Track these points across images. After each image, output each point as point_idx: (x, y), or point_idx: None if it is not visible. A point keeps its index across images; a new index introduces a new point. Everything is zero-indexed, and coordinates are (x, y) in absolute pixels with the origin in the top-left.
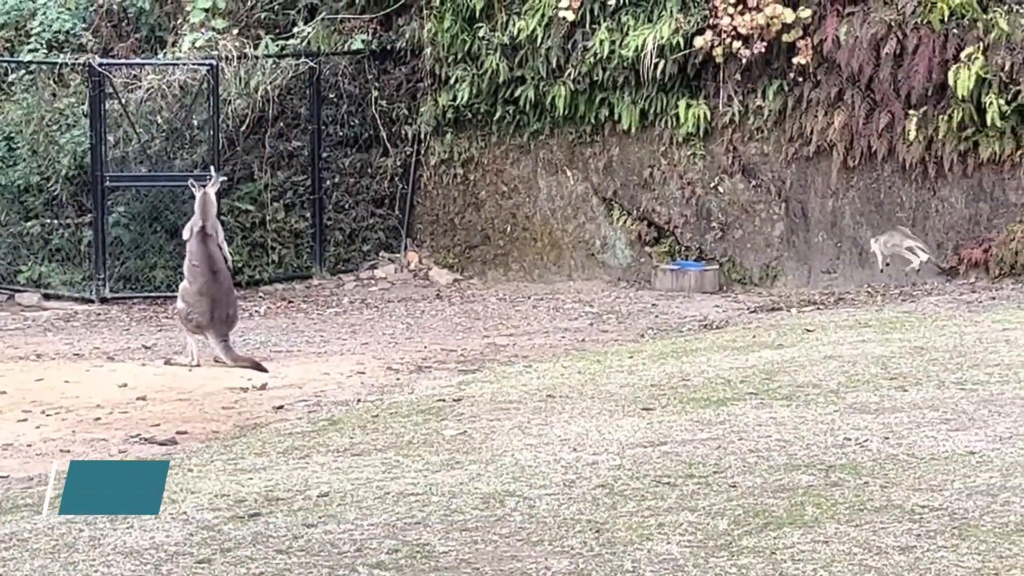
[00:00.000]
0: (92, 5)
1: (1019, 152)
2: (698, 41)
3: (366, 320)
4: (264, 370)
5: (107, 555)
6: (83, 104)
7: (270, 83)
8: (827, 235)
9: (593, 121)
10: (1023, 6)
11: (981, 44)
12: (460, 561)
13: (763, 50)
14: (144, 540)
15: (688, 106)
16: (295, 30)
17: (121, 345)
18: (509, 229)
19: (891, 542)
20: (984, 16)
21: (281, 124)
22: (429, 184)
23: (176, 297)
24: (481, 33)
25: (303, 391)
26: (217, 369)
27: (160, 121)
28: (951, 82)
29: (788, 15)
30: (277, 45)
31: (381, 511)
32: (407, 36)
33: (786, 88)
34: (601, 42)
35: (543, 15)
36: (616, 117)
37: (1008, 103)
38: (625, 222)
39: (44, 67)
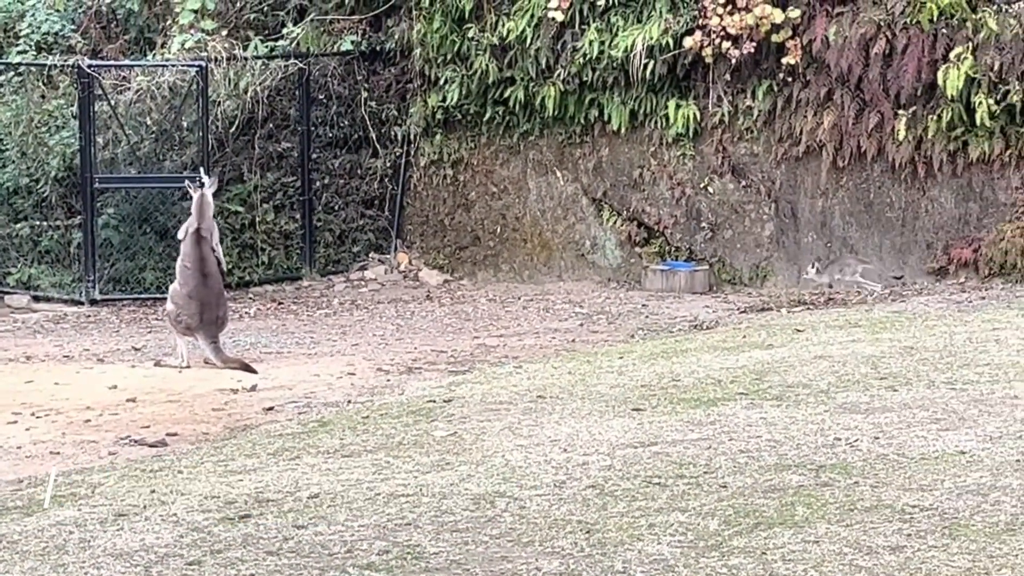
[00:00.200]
0: (81, 7)
1: (1008, 152)
2: (687, 41)
3: (356, 321)
4: (254, 371)
5: (97, 557)
6: (72, 106)
7: (259, 84)
8: (817, 235)
9: (583, 122)
10: (1012, 6)
11: (970, 44)
12: (450, 562)
13: (752, 50)
14: (134, 542)
15: (678, 106)
16: (284, 31)
17: (111, 347)
18: (499, 230)
19: (881, 542)
20: (973, 16)
21: (270, 125)
22: (419, 185)
23: (166, 299)
24: (470, 34)
25: (293, 392)
26: (207, 371)
27: (149, 122)
28: (940, 82)
29: (777, 15)
30: (266, 46)
31: (371, 512)
32: (396, 37)
33: (775, 88)
34: (590, 43)
35: (532, 16)
36: (606, 118)
37: (997, 103)
38: (615, 223)
39: (33, 69)
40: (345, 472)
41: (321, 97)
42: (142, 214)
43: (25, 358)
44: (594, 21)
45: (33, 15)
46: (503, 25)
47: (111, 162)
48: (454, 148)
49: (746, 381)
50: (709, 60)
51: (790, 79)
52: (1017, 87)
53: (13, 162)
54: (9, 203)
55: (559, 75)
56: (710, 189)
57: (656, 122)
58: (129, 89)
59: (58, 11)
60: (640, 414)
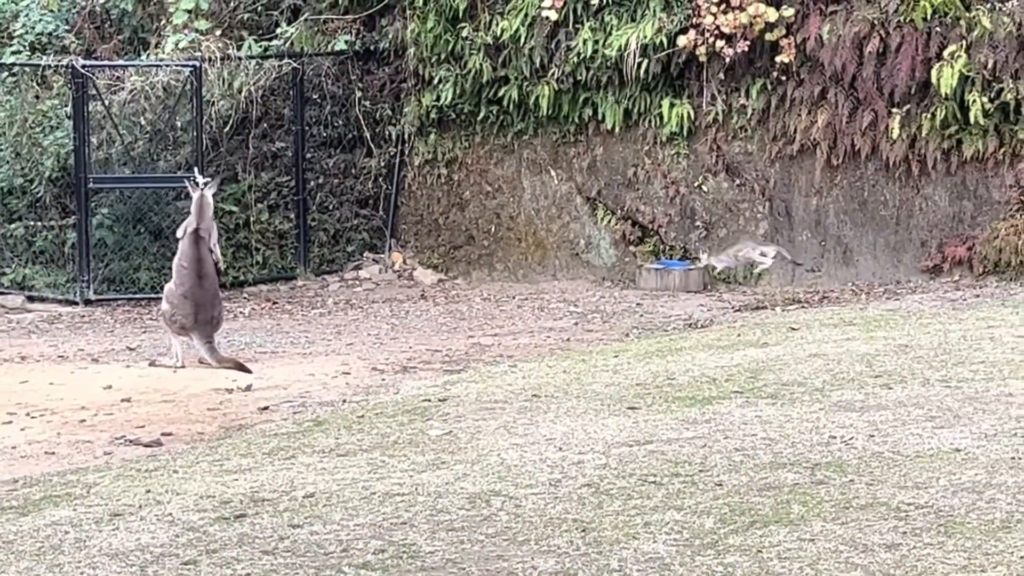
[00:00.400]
0: (75, 7)
1: (1002, 150)
2: (681, 40)
3: (351, 321)
4: (249, 371)
5: (93, 557)
6: (66, 106)
7: (253, 84)
8: (811, 234)
9: (577, 121)
10: (1005, 4)
11: (964, 42)
12: (446, 561)
13: (746, 49)
14: (130, 541)
15: (672, 105)
16: (278, 31)
17: (105, 347)
18: (493, 229)
19: (877, 540)
20: (967, 14)
21: (265, 125)
22: (413, 184)
23: (160, 299)
24: (464, 33)
25: (288, 392)
26: (202, 370)
27: (143, 122)
28: (934, 80)
29: (771, 14)
30: (260, 46)
31: (367, 511)
32: (390, 37)
33: (769, 87)
34: (584, 42)
35: (526, 15)
36: (600, 117)
37: (991, 101)
38: (609, 222)
39: (27, 69)
40: (340, 471)
41: (315, 97)
42: (136, 214)
43: (20, 358)
44: (588, 20)
45: (27, 15)
46: (497, 24)
47: (105, 162)
48: (448, 147)
49: (741, 379)
50: (703, 59)
51: (784, 78)
52: (1011, 85)
53: (7, 162)
54: (3, 203)
55: (553, 74)
56: (704, 188)
57: (650, 121)
58: (123, 89)
59: (52, 11)
60: (635, 413)
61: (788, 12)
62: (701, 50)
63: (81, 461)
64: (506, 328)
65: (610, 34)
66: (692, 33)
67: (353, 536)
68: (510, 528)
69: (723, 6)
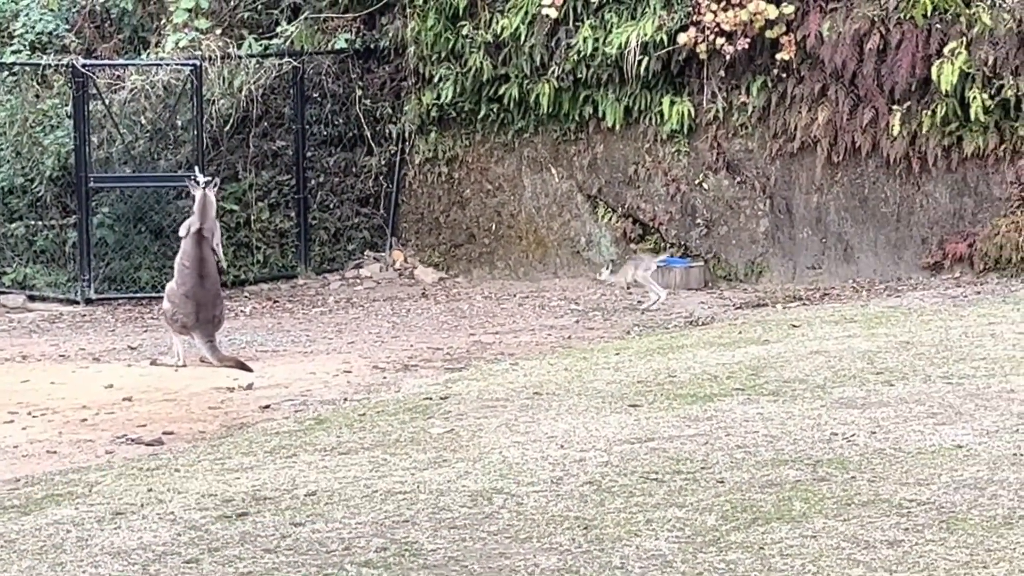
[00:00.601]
0: (75, 6)
1: (1003, 146)
2: (681, 38)
3: (352, 319)
4: (250, 370)
5: (95, 556)
6: (67, 105)
7: (254, 83)
8: (812, 231)
9: (577, 119)
10: (1006, 0)
11: (964, 39)
12: (448, 559)
13: (746, 46)
14: (132, 540)
15: (672, 103)
16: (278, 29)
17: (107, 346)
18: (494, 227)
19: (879, 536)
20: (967, 11)
21: (265, 124)
22: (414, 183)
23: (161, 298)
24: (465, 31)
25: (289, 390)
26: (203, 369)
27: (144, 122)
28: (934, 77)
29: (771, 11)
30: (260, 45)
31: (369, 509)
32: (390, 35)
33: (770, 84)
34: (585, 39)
35: (526, 13)
36: (600, 114)
37: (991, 97)
38: (610, 219)
39: (27, 68)
40: (342, 470)
41: (316, 95)
42: (137, 213)
43: (21, 357)
44: (588, 18)
45: (27, 15)
46: (497, 22)
47: (106, 161)
48: (449, 146)
49: (742, 377)
50: (703, 56)
51: (784, 75)
52: (1011, 82)
53: (8, 162)
54: (4, 203)
55: (553, 72)
56: (705, 185)
57: (651, 119)
58: (123, 88)
59: (52, 11)
60: (637, 410)
61: (788, 9)
62: (701, 48)
63: (83, 460)
64: (507, 326)
65: (610, 32)
66: (692, 31)
67: (355, 534)
68: (512, 526)
69: (723, 4)
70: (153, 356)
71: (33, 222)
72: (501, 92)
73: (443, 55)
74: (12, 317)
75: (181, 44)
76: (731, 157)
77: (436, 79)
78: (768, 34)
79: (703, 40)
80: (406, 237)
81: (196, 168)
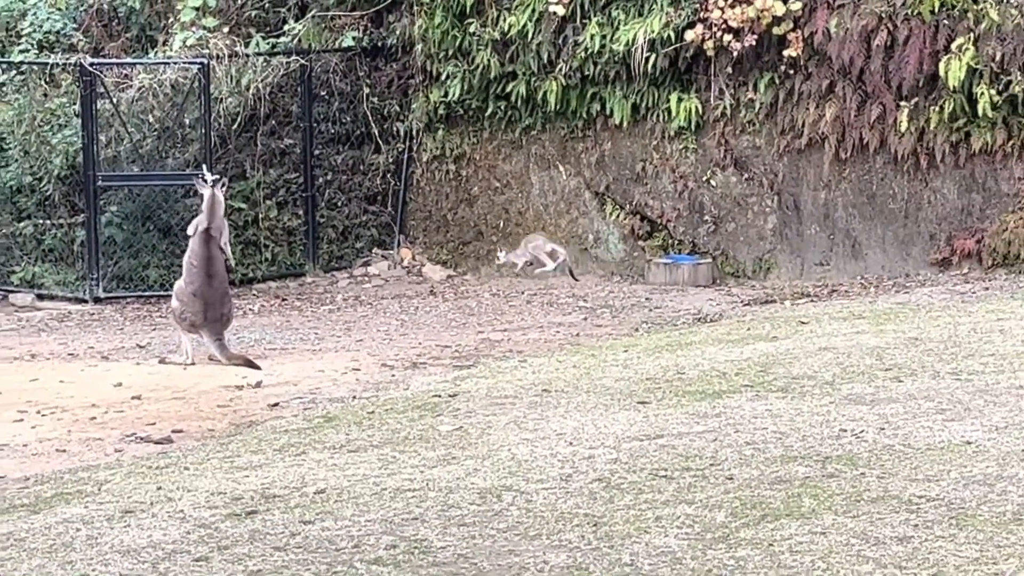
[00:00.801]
0: (82, 5)
1: (1011, 142)
2: (689, 35)
3: (360, 317)
4: (258, 368)
5: (105, 554)
6: (75, 104)
7: (261, 81)
8: (820, 227)
9: (585, 116)
10: None
11: (972, 35)
12: (458, 556)
13: (754, 43)
14: (142, 538)
15: (680, 100)
16: (286, 28)
17: (115, 344)
18: (502, 224)
19: (888, 532)
20: (974, 7)
21: (273, 122)
22: (421, 180)
23: (170, 296)
24: (472, 29)
25: (298, 388)
26: (212, 367)
27: (152, 120)
28: (942, 73)
29: (778, 8)
30: (268, 43)
31: (378, 507)
32: (398, 33)
33: (777, 81)
34: (592, 36)
35: (533, 10)
36: (608, 111)
37: (999, 93)
38: (618, 216)
39: (35, 67)
40: (351, 467)
41: (323, 93)
42: (145, 212)
43: (30, 356)
44: (595, 15)
45: (35, 14)
46: (504, 20)
47: (114, 160)
48: (456, 143)
49: (751, 373)
50: (711, 53)
51: (792, 71)
52: (1019, 77)
53: (16, 161)
54: (12, 202)
55: (561, 69)
56: (713, 182)
57: (658, 116)
58: (131, 87)
59: (60, 9)
60: (645, 407)
61: (795, 6)
62: (709, 44)
63: (92, 458)
64: (515, 323)
65: (617, 29)
66: (700, 27)
67: (364, 532)
68: (521, 523)
69: (731, 0)
70: (162, 354)
71: (41, 221)
72: (509, 89)
73: (450, 53)
74: (21, 316)
75: (189, 43)
76: (739, 154)
77: (443, 77)
78: (775, 31)
79: (710, 37)
80: (414, 235)
81: (204, 166)
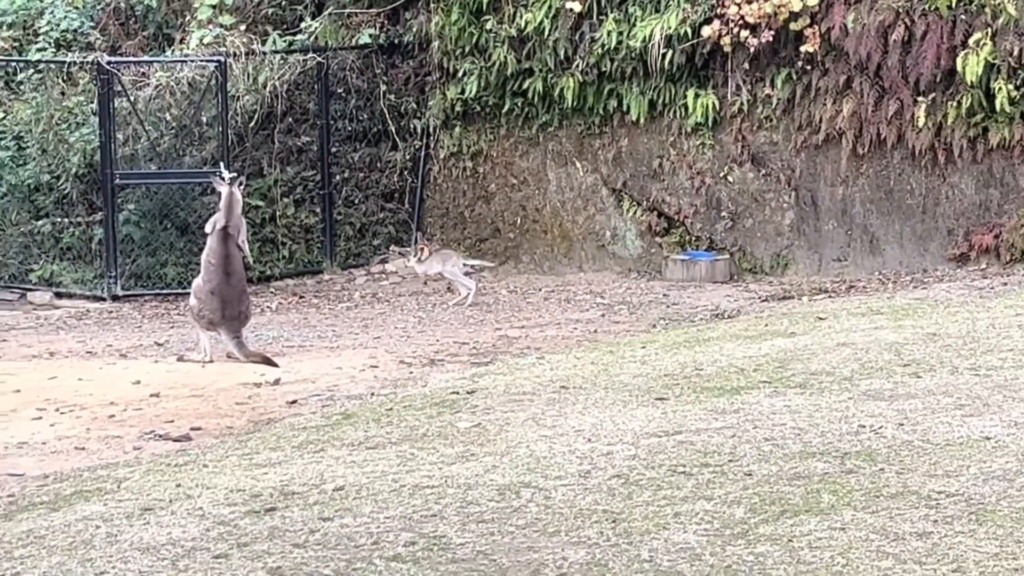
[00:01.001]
0: (100, 3)
1: None
2: (706, 31)
3: (378, 314)
4: (276, 365)
5: (124, 551)
6: (92, 102)
7: (278, 79)
8: (837, 223)
9: (602, 112)
10: None
11: (989, 30)
12: (477, 553)
13: (771, 39)
14: (161, 536)
15: (696, 96)
16: (302, 25)
17: (134, 342)
18: (519, 221)
19: (908, 528)
20: (992, 1)
21: (290, 120)
22: (439, 178)
23: (187, 294)
24: (488, 26)
25: (316, 385)
26: (230, 365)
27: (169, 118)
28: (959, 68)
29: (795, 3)
30: (284, 41)
31: (397, 504)
32: (414, 30)
33: (794, 76)
34: (609, 33)
35: (550, 7)
36: (625, 108)
37: (1017, 88)
38: (635, 213)
39: (53, 66)
40: (370, 464)
41: (340, 91)
42: (163, 210)
43: (48, 354)
44: (612, 11)
45: (52, 12)
46: (521, 16)
47: (131, 158)
48: (473, 140)
49: (769, 369)
50: (728, 49)
51: (809, 67)
52: None
53: (34, 159)
54: (30, 200)
55: (577, 66)
56: (730, 178)
57: (675, 112)
58: (148, 85)
59: (77, 8)
60: (664, 403)
61: (812, 1)
62: (726, 40)
63: (111, 456)
64: (533, 320)
65: (634, 25)
66: (716, 23)
67: (383, 528)
68: (540, 519)
69: None
70: (180, 352)
71: (59, 219)
72: (525, 86)
73: (467, 50)
74: (39, 314)
75: (205, 41)
76: (756, 150)
77: (460, 74)
78: (792, 26)
79: (727, 33)
80: (431, 232)
81: (221, 164)
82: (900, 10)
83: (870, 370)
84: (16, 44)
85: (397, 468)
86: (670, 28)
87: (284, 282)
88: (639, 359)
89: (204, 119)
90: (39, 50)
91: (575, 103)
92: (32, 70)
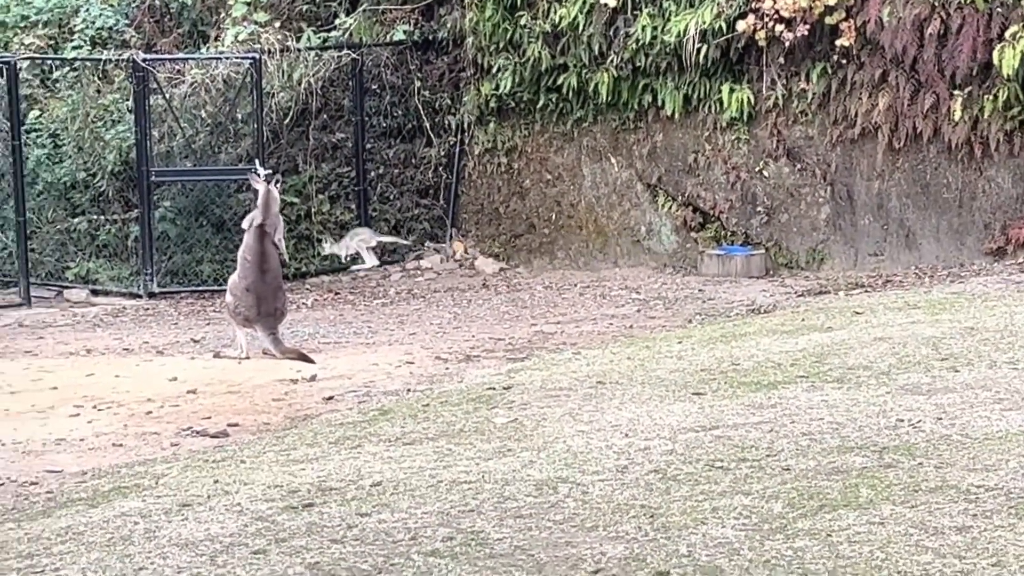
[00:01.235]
0: (135, 1)
1: None
2: (740, 25)
3: (413, 310)
4: (312, 362)
5: (163, 547)
6: (127, 100)
7: (313, 75)
8: (873, 217)
9: (636, 107)
10: None
11: None
12: (514, 548)
13: (806, 33)
14: (199, 532)
15: (732, 90)
16: (337, 22)
17: (170, 339)
18: (554, 217)
19: (947, 522)
20: None
21: (324, 116)
22: (473, 174)
23: (223, 291)
24: (523, 21)
25: (353, 382)
26: (266, 361)
27: (204, 115)
28: (996, 61)
29: None
30: (319, 37)
31: (434, 499)
32: (449, 26)
33: (830, 71)
34: (643, 28)
35: (584, 2)
36: (659, 103)
37: None
38: (670, 208)
39: (88, 64)
40: (407, 460)
41: (375, 87)
42: (198, 207)
43: (85, 351)
44: (646, 6)
45: (87, 10)
46: (555, 12)
47: (167, 155)
48: (508, 136)
49: (806, 364)
50: (762, 43)
51: (844, 61)
52: None
53: (70, 157)
54: (67, 198)
55: (612, 61)
56: (765, 173)
57: (710, 107)
58: (183, 82)
59: (112, 6)
60: (701, 398)
61: None
62: (760, 34)
63: (149, 452)
64: (568, 316)
65: (669, 20)
66: (751, 17)
67: (421, 524)
68: (577, 514)
69: None
70: (216, 349)
71: (95, 217)
72: (560, 82)
73: (501, 45)
74: (76, 311)
75: (240, 37)
76: (791, 144)
77: (495, 69)
78: (828, 20)
79: (762, 27)
80: (466, 228)
81: (256, 161)
82: (936, 3)
83: (907, 364)
84: (52, 42)
85: (434, 464)
86: (704, 23)
87: (319, 279)
88: (675, 354)
89: (239, 116)
90: (75, 48)
91: (609, 98)
92: (68, 68)
